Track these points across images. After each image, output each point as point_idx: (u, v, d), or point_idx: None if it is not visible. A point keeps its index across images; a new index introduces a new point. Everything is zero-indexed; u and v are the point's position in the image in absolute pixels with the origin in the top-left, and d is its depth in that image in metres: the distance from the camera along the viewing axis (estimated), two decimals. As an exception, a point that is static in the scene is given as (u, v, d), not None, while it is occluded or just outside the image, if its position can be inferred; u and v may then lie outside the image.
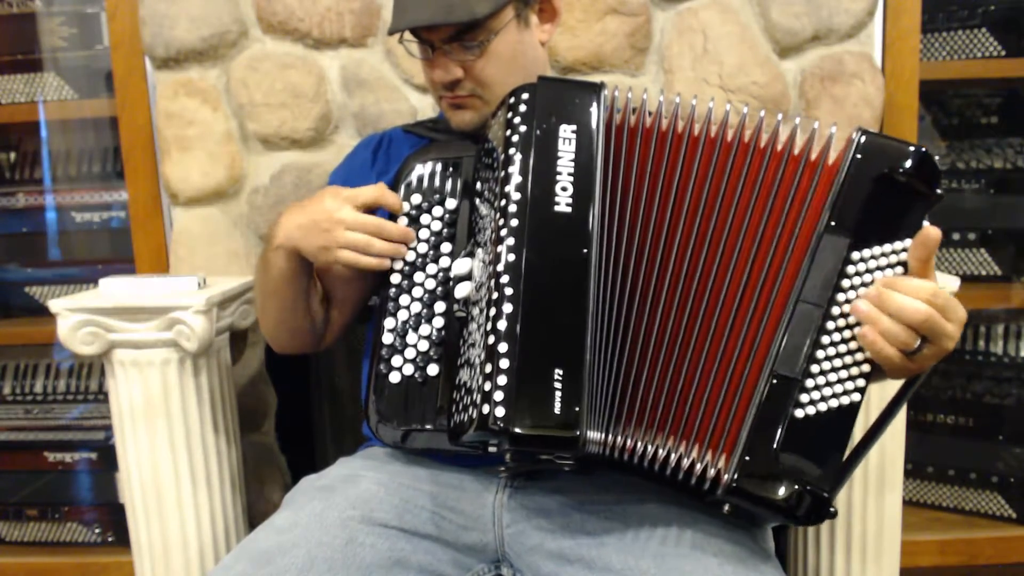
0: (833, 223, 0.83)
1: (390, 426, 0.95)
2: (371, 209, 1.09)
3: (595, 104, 0.90)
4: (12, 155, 1.81)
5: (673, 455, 0.83)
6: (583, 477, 0.97)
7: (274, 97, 1.46)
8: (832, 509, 0.80)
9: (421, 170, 1.01)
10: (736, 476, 0.80)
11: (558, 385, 0.80)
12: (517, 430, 0.79)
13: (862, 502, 1.29)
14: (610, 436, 0.84)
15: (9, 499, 1.74)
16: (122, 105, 1.54)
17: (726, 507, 0.84)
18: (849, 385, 0.81)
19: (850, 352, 0.82)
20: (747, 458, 0.80)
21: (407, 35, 1.03)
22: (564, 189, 0.86)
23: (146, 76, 1.53)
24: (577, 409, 0.80)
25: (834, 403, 0.81)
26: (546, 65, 1.12)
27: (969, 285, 1.55)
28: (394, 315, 0.96)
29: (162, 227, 1.57)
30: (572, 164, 0.87)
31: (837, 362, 0.82)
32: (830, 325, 0.82)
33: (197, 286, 1.30)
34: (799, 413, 0.81)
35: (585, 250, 0.85)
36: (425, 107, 1.45)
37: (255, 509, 1.54)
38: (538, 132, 0.88)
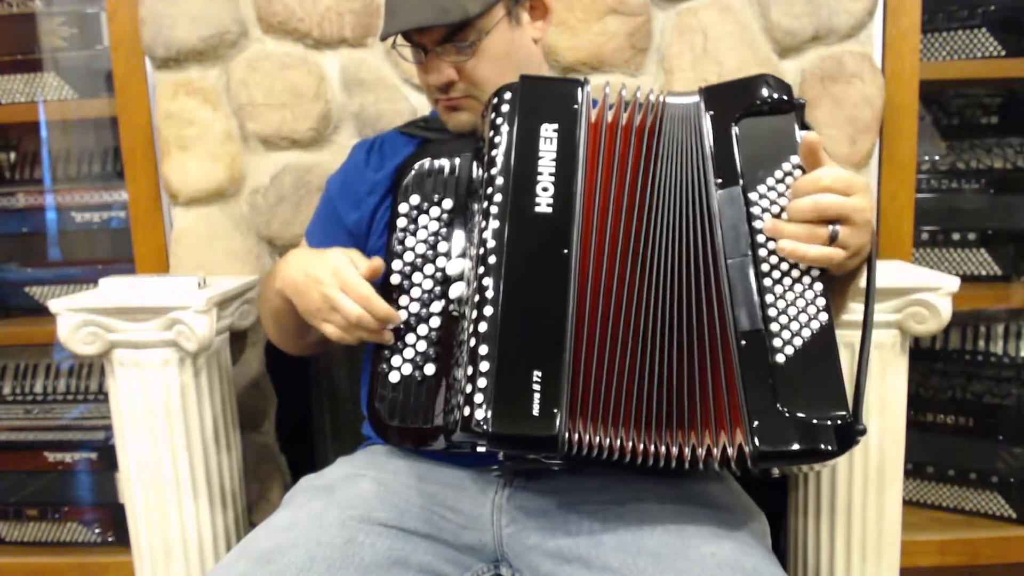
0: (720, 180, 0.86)
1: (390, 425, 0.95)
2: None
3: (577, 101, 0.89)
4: (12, 155, 1.81)
5: (686, 450, 0.82)
6: (582, 477, 0.97)
7: (274, 97, 1.46)
8: (860, 427, 0.79)
9: (420, 170, 1.01)
10: (757, 444, 0.79)
11: (537, 386, 0.80)
12: (496, 431, 0.79)
13: (862, 502, 1.29)
14: (599, 437, 0.82)
15: (9, 499, 1.74)
16: (122, 105, 1.54)
17: (775, 472, 0.84)
18: (811, 309, 0.82)
19: (796, 281, 0.83)
20: (756, 423, 0.80)
21: (399, 39, 1.03)
22: (545, 189, 0.86)
23: (146, 76, 1.53)
24: (556, 410, 0.80)
25: (807, 333, 0.82)
26: (541, 63, 1.12)
27: (969, 285, 1.55)
28: None
29: (162, 227, 1.57)
30: (553, 164, 0.87)
31: (789, 295, 0.83)
32: (764, 267, 0.84)
33: (197, 286, 1.30)
34: (780, 358, 0.81)
35: (565, 250, 0.85)
36: (425, 107, 1.45)
37: (255, 509, 1.54)
38: (519, 132, 0.88)
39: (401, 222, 0.99)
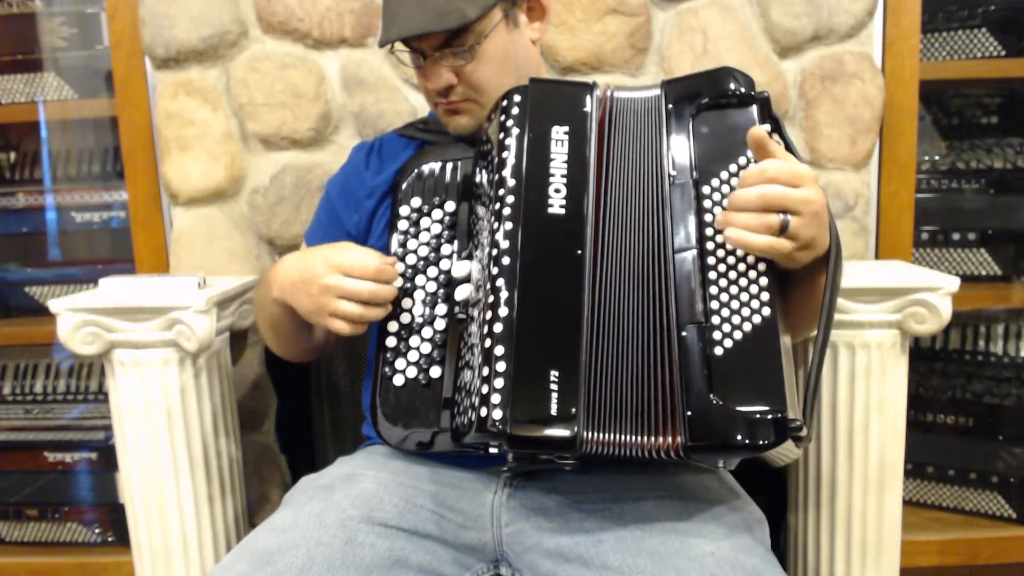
0: (674, 172, 0.87)
1: (395, 428, 0.95)
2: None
3: (587, 104, 0.90)
4: (12, 155, 1.81)
5: (656, 438, 0.82)
6: (581, 476, 0.97)
7: (274, 97, 1.46)
8: (795, 424, 0.78)
9: (421, 173, 1.01)
10: (687, 435, 0.79)
11: (554, 386, 0.81)
12: (514, 432, 0.79)
13: (862, 502, 1.29)
14: (607, 434, 0.83)
15: (9, 499, 1.74)
16: (122, 105, 1.54)
17: (721, 463, 0.85)
18: (755, 304, 0.82)
19: (742, 275, 0.83)
20: (689, 413, 0.80)
21: (398, 44, 1.03)
22: (557, 191, 0.87)
23: (146, 76, 1.53)
24: (574, 410, 0.80)
25: (747, 327, 0.82)
26: (539, 64, 1.12)
27: (969, 285, 1.55)
28: (397, 318, 0.96)
29: (162, 227, 1.57)
30: (565, 165, 0.88)
31: (733, 289, 0.83)
32: (711, 260, 0.84)
33: (197, 286, 1.30)
34: (718, 351, 0.81)
35: (579, 251, 0.85)
36: (425, 107, 1.45)
37: (255, 509, 1.54)
38: (530, 134, 0.88)
39: (402, 224, 0.99)
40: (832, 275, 0.86)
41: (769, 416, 0.78)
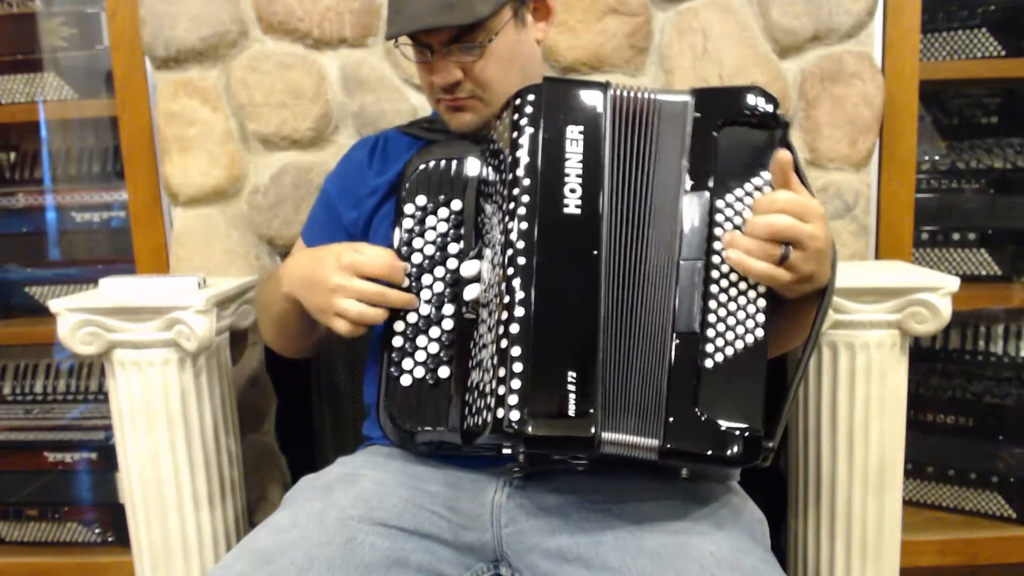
0: (692, 182, 0.87)
1: (402, 428, 0.95)
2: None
3: (601, 104, 0.90)
4: (12, 155, 1.81)
5: (647, 440, 0.83)
6: (582, 476, 0.97)
7: (274, 97, 1.46)
8: (769, 446, 0.81)
9: (426, 170, 1.01)
10: (665, 440, 0.81)
11: (572, 387, 0.81)
12: (532, 432, 0.79)
13: (862, 502, 1.29)
14: (618, 435, 0.83)
15: (9, 499, 1.74)
16: (122, 105, 1.54)
17: (683, 471, 0.87)
18: (749, 324, 0.84)
19: (741, 293, 0.84)
20: (671, 420, 0.81)
21: (403, 38, 1.03)
22: (573, 191, 0.87)
23: (146, 76, 1.53)
24: (592, 410, 0.81)
25: (739, 345, 0.83)
26: (542, 64, 1.12)
27: (969, 285, 1.55)
28: (403, 318, 0.96)
29: (162, 227, 1.57)
30: (580, 165, 0.87)
31: (732, 306, 0.84)
32: (715, 274, 0.85)
33: (197, 286, 1.31)
34: (708, 364, 0.83)
35: (595, 251, 0.85)
36: (425, 106, 1.45)
37: (255, 509, 1.54)
38: (545, 134, 0.88)
39: (407, 223, 0.99)
40: (823, 311, 0.88)
41: (738, 433, 0.80)
